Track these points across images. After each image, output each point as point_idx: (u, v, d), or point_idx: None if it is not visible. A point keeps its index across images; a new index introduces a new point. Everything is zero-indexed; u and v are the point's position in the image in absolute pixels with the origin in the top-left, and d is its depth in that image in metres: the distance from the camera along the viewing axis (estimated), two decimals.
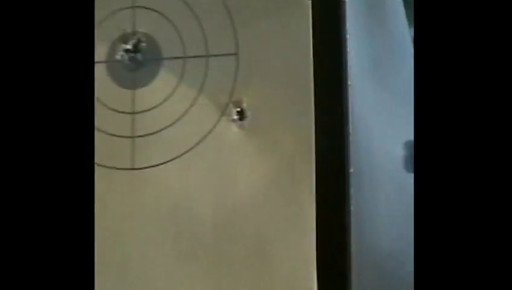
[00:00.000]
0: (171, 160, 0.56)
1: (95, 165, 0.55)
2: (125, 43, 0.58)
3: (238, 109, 0.56)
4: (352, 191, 0.53)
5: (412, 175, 0.43)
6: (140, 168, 0.56)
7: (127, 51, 0.57)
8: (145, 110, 0.57)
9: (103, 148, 0.55)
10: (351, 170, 0.53)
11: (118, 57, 0.58)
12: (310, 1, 0.55)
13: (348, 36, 0.54)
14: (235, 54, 0.56)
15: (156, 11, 0.57)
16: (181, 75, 0.57)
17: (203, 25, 0.57)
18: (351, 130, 0.53)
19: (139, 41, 0.58)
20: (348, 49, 0.53)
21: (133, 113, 0.57)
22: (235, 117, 0.56)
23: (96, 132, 0.55)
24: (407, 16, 0.63)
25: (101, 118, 0.56)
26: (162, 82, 0.58)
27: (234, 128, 0.56)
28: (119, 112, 0.57)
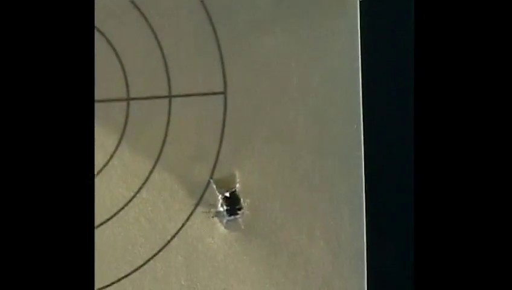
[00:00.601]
0: (111, 284, 0.39)
1: None
2: None
3: (227, 193, 0.39)
4: None
5: None
6: None
7: None
8: None
9: None
10: None
11: None
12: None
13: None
14: (221, 94, 0.40)
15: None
16: (122, 130, 0.39)
17: (166, 52, 0.40)
18: None
19: None
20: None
21: None
22: (221, 209, 0.40)
23: None
24: None
25: None
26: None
27: (219, 228, 0.40)
28: None
